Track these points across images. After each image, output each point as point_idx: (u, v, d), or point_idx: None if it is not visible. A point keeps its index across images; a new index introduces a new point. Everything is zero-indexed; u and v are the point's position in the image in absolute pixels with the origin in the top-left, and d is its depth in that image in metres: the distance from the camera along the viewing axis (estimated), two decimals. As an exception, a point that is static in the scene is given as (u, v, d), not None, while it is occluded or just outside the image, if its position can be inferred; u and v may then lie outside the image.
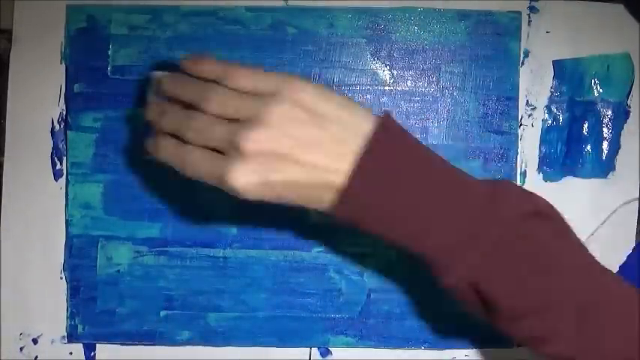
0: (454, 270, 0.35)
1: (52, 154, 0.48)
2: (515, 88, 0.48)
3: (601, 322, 0.35)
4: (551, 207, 0.37)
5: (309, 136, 0.34)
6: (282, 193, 0.35)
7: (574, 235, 0.37)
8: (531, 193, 0.37)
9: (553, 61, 0.48)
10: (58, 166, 0.48)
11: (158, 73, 0.40)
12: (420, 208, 0.35)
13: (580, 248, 0.37)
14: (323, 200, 0.35)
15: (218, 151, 0.35)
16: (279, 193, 0.35)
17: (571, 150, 0.48)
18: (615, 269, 0.48)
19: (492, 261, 0.35)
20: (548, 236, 0.36)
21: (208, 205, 0.48)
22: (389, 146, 0.35)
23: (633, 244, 0.48)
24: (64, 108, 0.48)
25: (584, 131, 0.48)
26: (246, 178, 0.34)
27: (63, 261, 0.48)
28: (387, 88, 0.48)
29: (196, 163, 0.35)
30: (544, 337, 0.35)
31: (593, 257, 0.37)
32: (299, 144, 0.34)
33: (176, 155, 0.36)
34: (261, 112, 0.34)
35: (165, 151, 0.37)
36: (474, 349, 0.49)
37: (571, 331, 0.35)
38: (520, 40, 0.48)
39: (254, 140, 0.33)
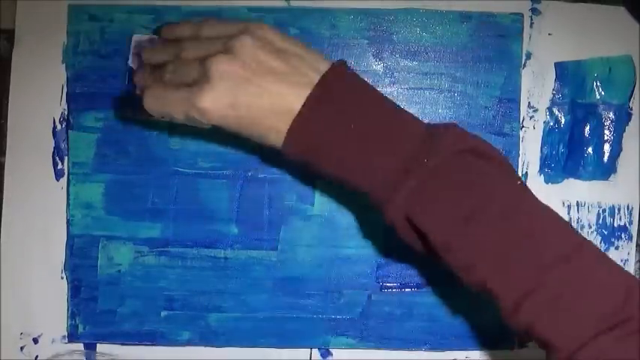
0: (391, 202, 0.37)
1: (53, 153, 0.48)
2: (517, 89, 0.48)
3: (524, 245, 0.35)
4: (493, 149, 0.38)
5: (272, 65, 0.37)
6: (244, 119, 0.37)
7: (513, 175, 0.38)
8: (475, 136, 0.38)
9: (555, 63, 0.48)
10: (60, 166, 0.48)
11: (138, 37, 0.45)
12: (363, 144, 0.37)
13: (514, 183, 0.38)
14: (279, 130, 0.37)
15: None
16: (242, 118, 0.37)
17: (572, 152, 0.48)
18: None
19: (425, 192, 0.36)
20: (480, 171, 0.37)
21: (209, 205, 0.48)
22: (340, 84, 0.38)
23: (634, 246, 0.48)
24: (66, 108, 0.48)
25: (585, 133, 0.48)
26: (213, 101, 0.37)
27: (64, 260, 0.48)
28: (388, 89, 0.48)
29: (169, 98, 0.38)
30: (469, 264, 0.36)
31: (529, 193, 0.38)
32: (262, 71, 0.37)
33: (154, 98, 0.39)
34: (228, 45, 0.38)
35: (148, 99, 0.39)
36: (474, 351, 0.49)
37: (496, 257, 0.35)
38: (522, 42, 0.48)
39: (221, 64, 0.36)
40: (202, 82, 0.37)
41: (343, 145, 0.37)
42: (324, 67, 0.38)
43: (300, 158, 0.38)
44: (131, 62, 0.44)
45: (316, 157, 0.38)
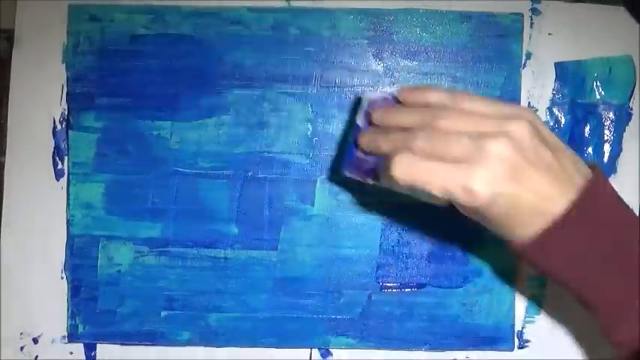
0: (626, 326, 0.35)
1: (53, 153, 0.48)
2: (517, 89, 0.48)
3: None
4: None
5: (547, 160, 0.34)
6: (502, 208, 0.34)
7: None
8: None
9: (555, 63, 0.48)
10: (60, 166, 0.48)
11: (370, 95, 0.40)
12: (609, 267, 0.35)
13: None
14: (528, 229, 0.35)
15: None
16: (500, 207, 0.34)
17: (572, 152, 0.48)
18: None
19: None
20: None
21: (209, 205, 0.48)
22: (603, 197, 0.36)
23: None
24: (66, 108, 0.48)
25: (585, 133, 0.48)
26: (486, 184, 0.33)
27: (64, 261, 0.48)
28: (388, 89, 0.48)
29: (428, 170, 0.34)
30: None
31: None
32: (536, 164, 0.34)
33: (408, 167, 0.35)
34: (504, 127, 0.34)
35: (400, 167, 0.35)
36: (475, 351, 0.48)
37: None
38: (522, 42, 0.48)
39: (502, 148, 0.33)
40: (476, 162, 0.33)
41: (585, 263, 0.35)
42: (585, 170, 0.36)
43: (536, 261, 0.36)
44: (359, 121, 0.40)
45: (556, 266, 0.36)
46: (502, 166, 0.33)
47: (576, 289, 0.36)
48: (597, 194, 0.35)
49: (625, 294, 0.35)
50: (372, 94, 0.40)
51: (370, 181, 0.40)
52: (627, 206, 0.36)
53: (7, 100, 0.48)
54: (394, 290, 0.48)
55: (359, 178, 0.41)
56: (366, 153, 0.39)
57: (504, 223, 0.35)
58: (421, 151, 0.35)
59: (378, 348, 0.48)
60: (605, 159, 0.48)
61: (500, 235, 0.36)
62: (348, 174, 0.41)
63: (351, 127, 0.42)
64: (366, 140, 0.39)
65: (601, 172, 0.36)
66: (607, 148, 0.48)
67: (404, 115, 0.37)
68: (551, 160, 0.35)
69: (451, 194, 0.34)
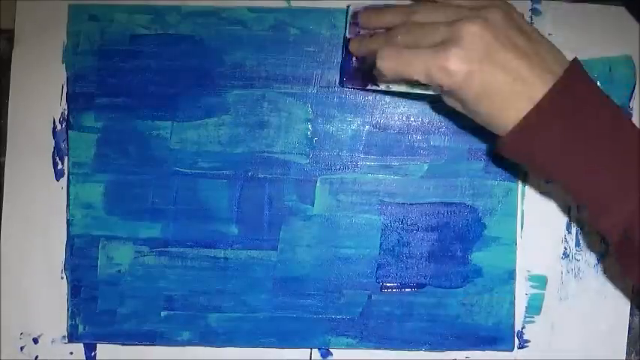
0: (612, 212, 0.36)
1: (53, 153, 0.48)
2: (517, 89, 0.48)
3: None
4: None
5: (519, 44, 0.37)
6: (479, 89, 0.36)
7: None
8: None
9: (555, 63, 0.48)
10: (60, 166, 0.48)
11: (355, 6, 0.45)
12: (590, 150, 0.36)
13: None
14: (508, 114, 0.36)
15: None
16: (477, 87, 0.36)
17: (572, 152, 0.48)
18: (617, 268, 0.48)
19: None
20: None
21: (209, 205, 0.48)
22: (582, 85, 0.37)
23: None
24: (66, 108, 0.48)
25: (585, 133, 0.48)
26: (461, 61, 0.36)
27: (64, 261, 0.48)
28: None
29: (410, 58, 0.37)
30: None
31: None
32: (510, 47, 0.36)
33: (392, 59, 0.38)
34: (479, 13, 0.37)
35: (385, 59, 0.38)
36: (474, 351, 0.48)
37: None
38: (522, 42, 0.48)
39: (474, 27, 0.36)
40: (451, 43, 0.36)
41: (568, 150, 0.36)
42: (563, 60, 0.38)
43: (523, 150, 0.38)
44: (348, 33, 0.44)
45: (542, 154, 0.37)
46: (475, 45, 0.36)
47: (563, 180, 0.38)
48: (577, 81, 0.37)
49: (611, 185, 0.36)
50: (356, 5, 0.45)
51: (371, 87, 0.44)
52: (608, 95, 0.38)
53: (7, 100, 0.48)
54: (394, 290, 0.48)
55: (360, 88, 0.46)
56: (359, 61, 0.44)
57: (487, 108, 0.37)
58: (403, 43, 0.39)
59: (378, 348, 0.48)
60: (605, 159, 0.48)
61: (489, 127, 0.38)
62: (349, 86, 0.46)
63: (344, 43, 0.46)
64: (356, 45, 0.44)
65: (579, 62, 0.38)
66: (607, 148, 0.48)
67: (387, 15, 0.42)
68: (526, 46, 0.37)
69: (431, 76, 0.37)
